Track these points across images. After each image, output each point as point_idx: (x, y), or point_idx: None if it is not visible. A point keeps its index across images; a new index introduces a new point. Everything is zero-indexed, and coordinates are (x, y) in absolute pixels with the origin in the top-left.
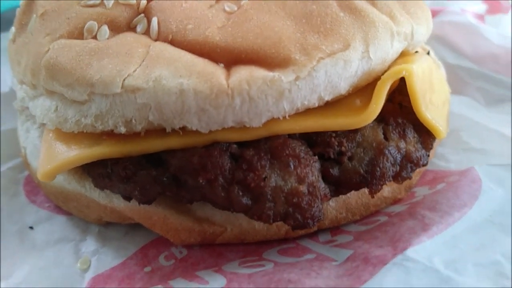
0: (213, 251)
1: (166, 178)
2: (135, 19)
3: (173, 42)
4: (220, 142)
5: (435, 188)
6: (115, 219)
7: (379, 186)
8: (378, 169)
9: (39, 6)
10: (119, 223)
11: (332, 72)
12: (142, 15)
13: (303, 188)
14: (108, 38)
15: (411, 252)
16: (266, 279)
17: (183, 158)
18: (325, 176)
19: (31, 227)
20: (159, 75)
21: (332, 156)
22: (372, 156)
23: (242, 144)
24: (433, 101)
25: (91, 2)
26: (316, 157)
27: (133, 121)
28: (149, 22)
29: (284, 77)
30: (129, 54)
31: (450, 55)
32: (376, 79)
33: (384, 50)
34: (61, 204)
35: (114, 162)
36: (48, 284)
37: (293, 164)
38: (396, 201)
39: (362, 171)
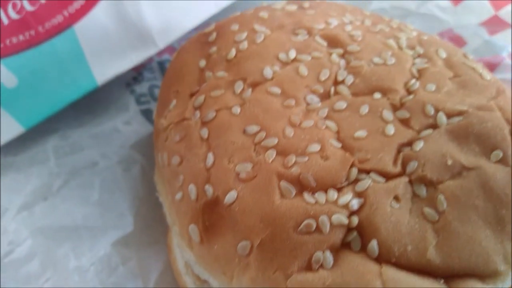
0: None
1: None
2: (348, 236)
3: (396, 265)
4: None
5: None
6: None
7: None
8: None
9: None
10: None
11: None
12: (355, 233)
13: None
14: (333, 265)
15: None
16: None
17: None
18: None
19: None
20: None
21: None
22: None
23: None
24: None
25: (305, 228)
26: None
27: None
28: (363, 239)
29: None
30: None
31: None
32: None
33: None
34: None
35: None
36: None
37: None
38: None
39: None
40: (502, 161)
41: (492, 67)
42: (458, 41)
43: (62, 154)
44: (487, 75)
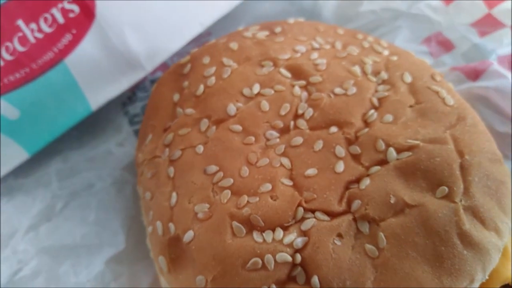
0: None
1: None
2: (293, 272)
3: None
4: None
5: None
6: None
7: None
8: None
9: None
10: None
11: None
12: (300, 268)
13: None
14: None
15: None
16: None
17: None
18: None
19: None
20: None
21: None
22: None
23: None
24: None
25: (252, 266)
26: None
27: None
28: (307, 274)
29: None
30: None
31: (496, 121)
32: None
33: (493, 265)
34: None
35: None
36: None
37: None
38: None
39: None
40: (447, 197)
41: (477, 73)
42: (446, 45)
43: (63, 177)
44: (451, 99)
